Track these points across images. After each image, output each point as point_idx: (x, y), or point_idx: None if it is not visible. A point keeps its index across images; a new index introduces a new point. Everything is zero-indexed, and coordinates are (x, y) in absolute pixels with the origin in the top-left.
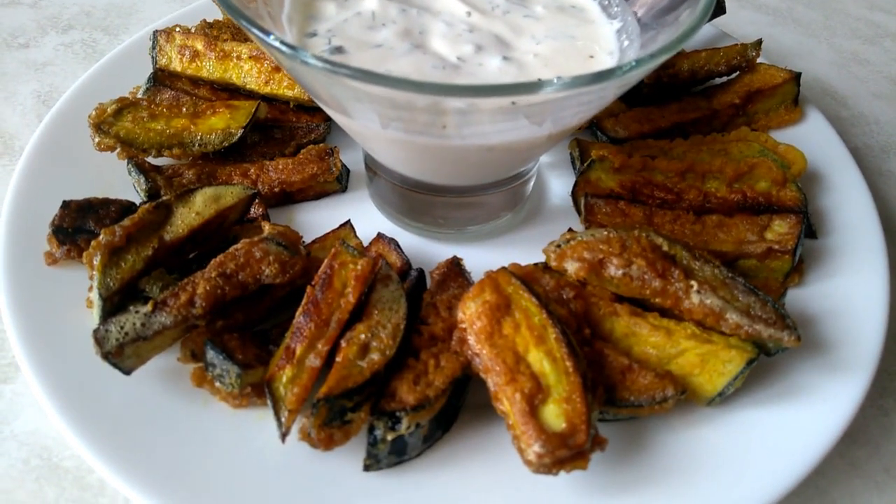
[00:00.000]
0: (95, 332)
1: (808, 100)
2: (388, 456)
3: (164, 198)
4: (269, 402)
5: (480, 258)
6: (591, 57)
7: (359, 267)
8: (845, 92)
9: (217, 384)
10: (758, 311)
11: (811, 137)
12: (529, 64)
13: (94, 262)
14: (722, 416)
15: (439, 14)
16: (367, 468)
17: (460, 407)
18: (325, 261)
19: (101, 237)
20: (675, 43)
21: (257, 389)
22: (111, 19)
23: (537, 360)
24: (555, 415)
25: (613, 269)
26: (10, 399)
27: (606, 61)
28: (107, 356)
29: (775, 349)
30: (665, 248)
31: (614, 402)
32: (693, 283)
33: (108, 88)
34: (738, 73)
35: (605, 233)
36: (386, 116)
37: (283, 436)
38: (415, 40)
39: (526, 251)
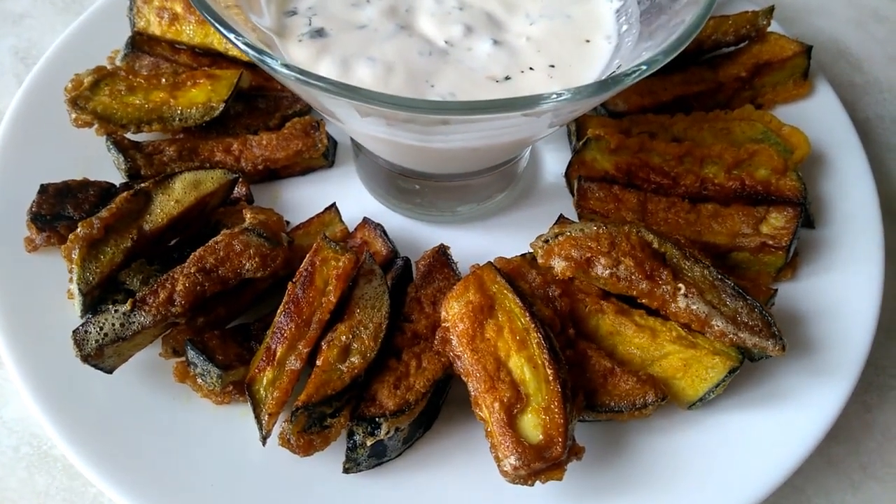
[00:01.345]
0: (75, 333)
1: (821, 68)
2: (367, 459)
3: (143, 185)
4: (249, 404)
5: (470, 242)
6: (587, 41)
7: (340, 264)
8: (861, 54)
9: (199, 381)
10: (744, 318)
11: (818, 114)
12: (521, 49)
13: (73, 256)
14: (703, 418)
15: None
16: (346, 471)
17: (441, 405)
18: (307, 257)
19: (78, 230)
20: (679, 41)
21: (239, 387)
22: None
23: (518, 366)
24: (532, 425)
25: (601, 269)
26: None
27: (603, 46)
28: (86, 359)
29: (760, 356)
30: (655, 245)
31: (594, 406)
32: (681, 285)
33: (85, 52)
34: (746, 42)
35: (595, 228)
36: (365, 112)
37: (264, 438)
38: (401, 20)
39: (517, 235)
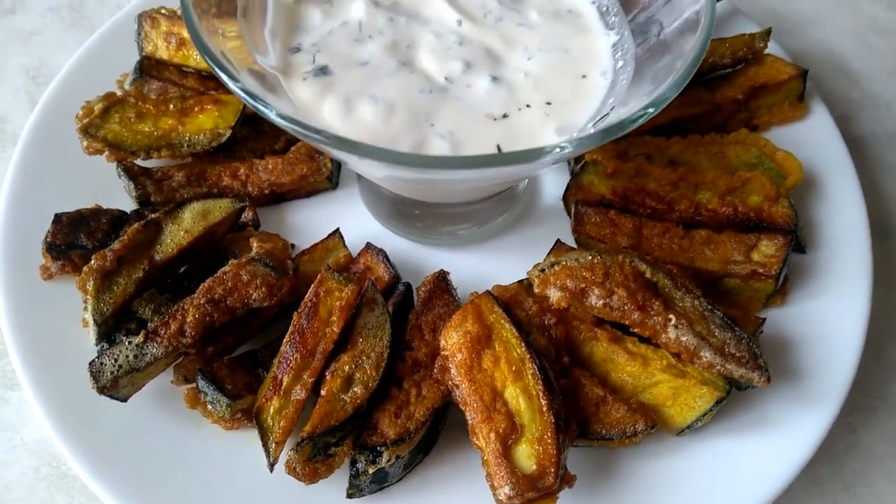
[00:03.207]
0: (91, 365)
1: (819, 82)
2: (370, 485)
3: (153, 216)
4: (258, 432)
5: (471, 265)
6: (584, 77)
7: (344, 295)
8: (860, 68)
9: (209, 408)
10: (732, 349)
11: (813, 137)
12: (519, 85)
13: (88, 288)
14: (692, 444)
15: (428, 23)
16: (350, 496)
17: (441, 430)
18: (311, 288)
19: (92, 262)
20: (674, 86)
21: (248, 413)
22: None
23: (514, 396)
24: (526, 455)
25: (594, 299)
26: (18, 406)
27: (599, 82)
28: (102, 390)
29: (746, 385)
30: (648, 274)
31: (587, 434)
32: (671, 316)
33: (95, 76)
34: (743, 64)
35: (590, 258)
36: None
37: (272, 465)
38: (402, 56)
39: (517, 257)
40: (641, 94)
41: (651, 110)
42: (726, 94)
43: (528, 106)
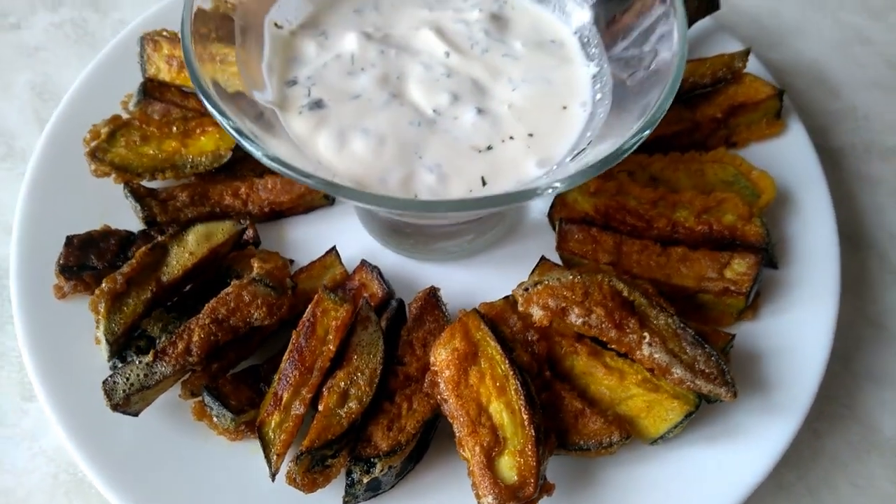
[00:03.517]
0: (104, 384)
1: (799, 94)
2: (364, 493)
3: (159, 239)
4: (260, 445)
5: (461, 279)
6: (564, 108)
7: (340, 315)
8: (841, 79)
9: (215, 421)
10: (701, 366)
11: (789, 153)
12: (503, 117)
13: (100, 309)
14: (664, 452)
15: (418, 55)
16: (346, 503)
17: (430, 440)
18: (309, 307)
19: (103, 285)
20: (647, 125)
21: (250, 425)
22: None
23: (498, 411)
24: (508, 467)
25: (574, 318)
26: (36, 417)
27: (578, 114)
28: (115, 407)
29: (714, 399)
30: (625, 293)
31: (566, 445)
32: (646, 334)
33: (100, 97)
34: (723, 83)
35: (570, 277)
36: None
37: (273, 475)
38: (392, 88)
39: (505, 272)
40: (617, 129)
41: (622, 149)
42: (706, 113)
43: (511, 138)
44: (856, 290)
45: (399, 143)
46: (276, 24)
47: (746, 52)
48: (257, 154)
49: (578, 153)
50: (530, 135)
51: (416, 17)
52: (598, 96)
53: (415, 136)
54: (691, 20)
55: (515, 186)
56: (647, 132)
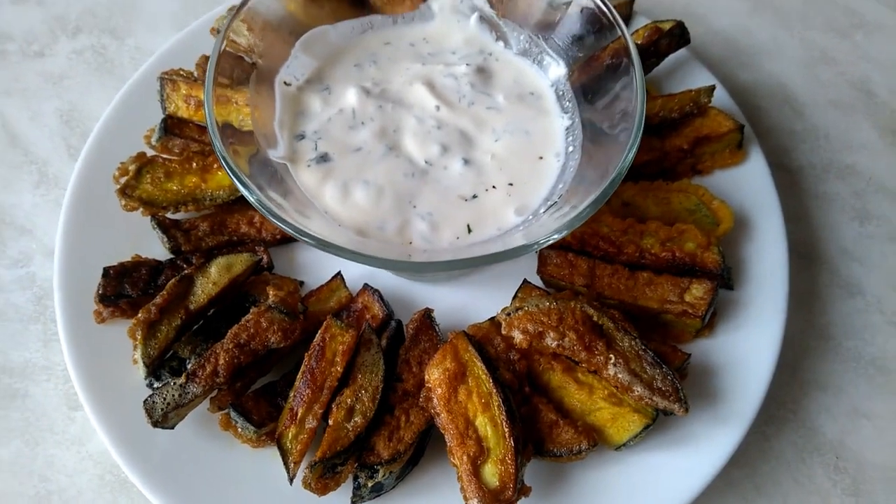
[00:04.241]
0: (144, 403)
1: (768, 116)
2: (369, 494)
3: (186, 271)
4: (279, 453)
5: (453, 300)
6: (541, 158)
7: (345, 340)
8: (805, 99)
9: (240, 431)
10: (659, 384)
11: (749, 180)
12: (486, 167)
13: (137, 336)
14: (627, 458)
15: (411, 108)
16: (353, 503)
17: (426, 447)
18: (319, 333)
19: (140, 315)
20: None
21: (270, 435)
22: (115, 19)
23: (482, 424)
24: (491, 474)
25: (550, 340)
26: (82, 424)
27: (553, 164)
28: (155, 424)
29: (669, 413)
30: (595, 318)
31: (541, 452)
32: (612, 356)
33: (125, 130)
34: (690, 116)
35: (547, 304)
36: None
37: (291, 479)
38: (389, 140)
39: (492, 292)
40: (584, 184)
41: (588, 208)
42: (674, 143)
43: (493, 187)
44: (807, 304)
45: (395, 194)
46: (285, 83)
47: (711, 89)
48: (267, 215)
49: (552, 205)
50: (510, 184)
51: (411, 70)
52: (570, 149)
53: (409, 186)
54: (664, 55)
55: (496, 233)
56: (610, 192)
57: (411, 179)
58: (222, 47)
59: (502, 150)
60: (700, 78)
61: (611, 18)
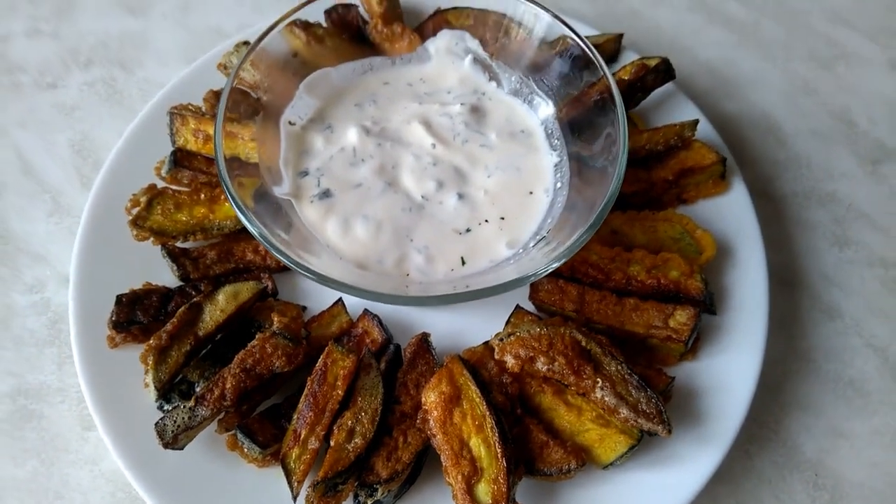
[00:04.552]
0: (156, 426)
1: (752, 146)
2: None
3: (195, 299)
4: (283, 473)
5: (449, 324)
6: (531, 193)
7: (346, 365)
8: (788, 129)
9: (245, 451)
10: (643, 407)
11: (731, 209)
12: (479, 202)
13: (148, 361)
14: (614, 476)
15: (409, 146)
16: None
17: (422, 466)
18: (321, 358)
19: (151, 341)
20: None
21: (275, 455)
22: (125, 51)
23: (476, 445)
24: (484, 492)
25: (540, 365)
26: (95, 444)
27: (542, 199)
28: (166, 445)
29: (653, 434)
30: (584, 343)
31: (532, 472)
32: (599, 380)
33: (136, 162)
34: (674, 149)
35: (538, 330)
36: None
37: (294, 498)
38: (388, 177)
39: (487, 316)
40: (573, 216)
41: (576, 242)
42: (660, 175)
43: (486, 221)
44: (788, 327)
45: (394, 227)
46: (289, 122)
47: (695, 123)
48: (272, 250)
49: (541, 239)
50: (502, 218)
51: (409, 109)
52: (559, 185)
53: (407, 221)
54: (650, 89)
55: (488, 265)
56: (598, 225)
57: (409, 214)
58: (232, 86)
59: (494, 186)
60: (685, 111)
61: (595, 60)
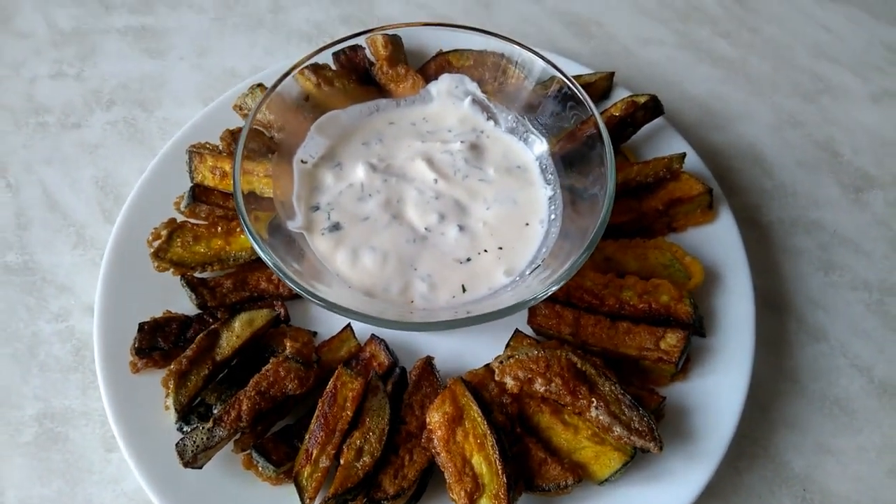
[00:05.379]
0: (176, 446)
1: (739, 176)
2: None
3: (213, 326)
4: (296, 490)
5: (453, 347)
6: (527, 225)
7: (354, 387)
8: (774, 160)
9: (260, 470)
10: (636, 425)
11: (719, 237)
12: (479, 233)
13: (169, 385)
14: (609, 491)
15: (413, 181)
16: None
17: (427, 483)
18: (331, 381)
19: (172, 366)
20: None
21: (288, 474)
22: (145, 92)
23: (478, 463)
24: None
25: (538, 386)
26: (118, 465)
27: (538, 230)
28: (187, 464)
29: (646, 451)
30: (579, 365)
31: (531, 488)
32: (594, 399)
33: (157, 198)
34: (663, 180)
35: (536, 353)
36: None
37: None
38: (393, 210)
39: (488, 339)
40: (566, 245)
41: (572, 265)
42: (650, 205)
43: (485, 251)
44: (776, 349)
45: (399, 258)
46: (301, 161)
47: (682, 156)
48: (286, 279)
49: (536, 267)
50: (500, 248)
51: (412, 147)
52: (553, 216)
53: (411, 251)
54: (640, 125)
55: (487, 292)
56: (589, 254)
57: (413, 245)
58: (249, 128)
59: (493, 218)
60: (674, 143)
61: (584, 101)
